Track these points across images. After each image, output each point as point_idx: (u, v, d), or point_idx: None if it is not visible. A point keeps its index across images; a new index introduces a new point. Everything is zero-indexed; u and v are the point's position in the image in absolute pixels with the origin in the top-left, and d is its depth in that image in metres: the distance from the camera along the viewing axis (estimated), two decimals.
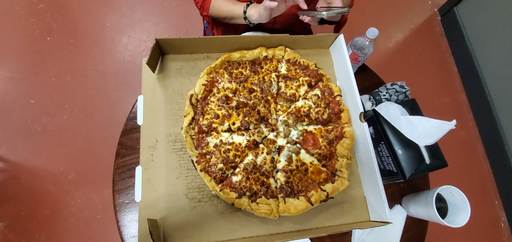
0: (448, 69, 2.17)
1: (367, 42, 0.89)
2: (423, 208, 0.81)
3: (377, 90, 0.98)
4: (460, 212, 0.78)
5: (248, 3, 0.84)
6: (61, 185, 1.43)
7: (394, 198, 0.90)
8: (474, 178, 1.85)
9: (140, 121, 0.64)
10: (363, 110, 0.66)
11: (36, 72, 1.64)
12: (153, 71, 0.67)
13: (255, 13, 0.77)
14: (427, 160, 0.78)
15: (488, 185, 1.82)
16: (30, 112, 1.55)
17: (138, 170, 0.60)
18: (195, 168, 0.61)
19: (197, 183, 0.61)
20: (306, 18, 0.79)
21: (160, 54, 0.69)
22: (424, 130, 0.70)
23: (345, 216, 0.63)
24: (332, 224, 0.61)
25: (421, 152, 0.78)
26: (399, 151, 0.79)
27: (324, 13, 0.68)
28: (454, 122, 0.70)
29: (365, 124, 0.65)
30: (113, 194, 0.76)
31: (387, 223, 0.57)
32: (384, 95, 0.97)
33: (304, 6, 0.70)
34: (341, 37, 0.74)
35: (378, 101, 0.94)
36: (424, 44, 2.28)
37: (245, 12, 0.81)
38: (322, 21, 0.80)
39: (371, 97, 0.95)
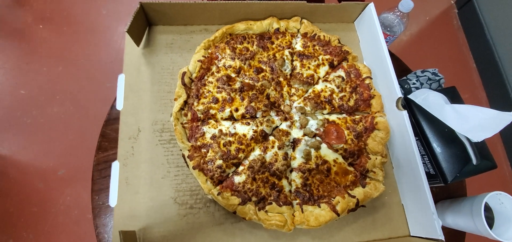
0: (466, 64, 2.01)
1: (397, 19, 0.74)
2: (466, 218, 0.65)
3: (404, 78, 0.83)
4: (510, 224, 0.63)
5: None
6: (50, 182, 1.31)
7: None
8: (492, 179, 1.68)
9: (119, 106, 0.50)
10: (401, 95, 0.52)
11: (27, 62, 1.52)
12: (138, 44, 0.53)
13: None
14: (474, 160, 0.63)
15: (510, 188, 1.65)
16: (20, 104, 1.43)
17: (115, 165, 0.46)
18: (187, 165, 0.47)
19: (189, 184, 0.47)
20: None
21: (146, 23, 0.56)
22: (477, 122, 0.55)
23: (378, 230, 0.49)
24: (361, 240, 0.47)
25: (466, 150, 0.63)
26: (438, 149, 0.64)
27: None
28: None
29: (405, 113, 0.51)
30: (91, 195, 0.63)
31: (438, 241, 0.42)
32: (414, 84, 0.82)
33: None
34: (371, 6, 0.59)
35: (407, 91, 0.79)
36: (441, 38, 2.12)
37: None
38: None
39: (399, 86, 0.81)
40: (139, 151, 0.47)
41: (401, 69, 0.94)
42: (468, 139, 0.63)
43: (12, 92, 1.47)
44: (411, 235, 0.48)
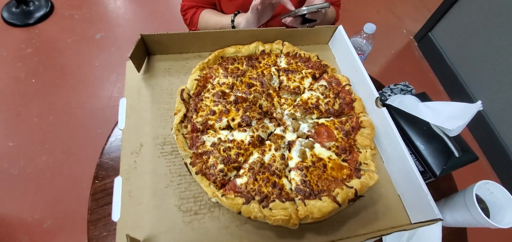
0: (434, 87, 2.19)
1: (364, 41, 0.84)
2: (462, 212, 0.68)
3: (380, 91, 0.91)
4: (505, 211, 0.65)
5: (236, 13, 0.80)
6: (34, 235, 1.21)
7: None
8: (476, 173, 1.71)
9: (121, 125, 0.52)
10: (378, 95, 0.57)
11: (18, 114, 1.50)
12: (138, 69, 0.57)
13: (243, 20, 0.73)
14: (456, 152, 0.67)
15: (493, 178, 1.70)
16: (7, 156, 1.37)
17: (117, 181, 0.46)
18: (189, 172, 0.48)
19: (192, 191, 0.47)
20: (288, 20, 0.74)
21: (146, 53, 0.60)
22: (449, 114, 0.61)
23: (380, 220, 0.50)
24: (366, 231, 0.48)
25: (447, 145, 0.68)
26: (421, 146, 0.68)
27: (305, 8, 0.66)
28: (479, 102, 0.62)
29: (384, 109, 0.56)
30: (87, 226, 0.60)
31: (437, 220, 0.44)
32: (389, 95, 0.90)
33: (291, 7, 0.66)
34: (340, 28, 0.68)
35: (383, 101, 0.87)
36: (407, 67, 2.34)
37: (232, 21, 0.78)
38: (304, 21, 0.75)
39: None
40: (141, 164, 0.48)
41: (376, 86, 1.03)
42: (446, 135, 0.69)
43: (0, 145, 1.43)
44: (413, 223, 0.49)
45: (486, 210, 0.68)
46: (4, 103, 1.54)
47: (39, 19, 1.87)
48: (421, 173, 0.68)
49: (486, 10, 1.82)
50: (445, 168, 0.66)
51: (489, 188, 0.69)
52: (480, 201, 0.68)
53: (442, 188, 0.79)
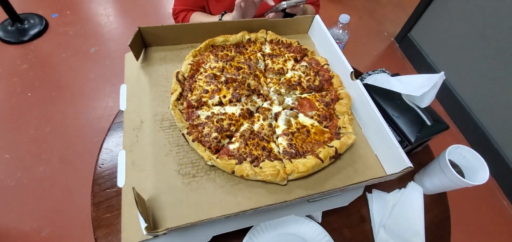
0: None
1: (340, 31, 0.92)
2: (438, 176, 0.74)
3: (360, 77, 0.98)
4: (477, 171, 0.72)
5: (223, 13, 0.88)
6: None
7: (404, 178, 0.83)
8: (449, 141, 1.80)
9: (123, 107, 0.57)
10: (352, 70, 0.64)
11: (14, 127, 1.52)
12: (137, 58, 0.62)
13: (229, 19, 0.80)
14: (428, 121, 0.74)
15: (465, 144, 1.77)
16: (3, 168, 1.38)
17: (121, 154, 0.50)
18: (187, 141, 0.53)
19: (189, 158, 0.52)
20: (271, 15, 0.82)
21: (143, 45, 0.66)
22: (416, 84, 0.68)
23: (360, 176, 0.55)
24: (346, 184, 0.53)
25: (419, 115, 0.75)
26: (396, 118, 0.75)
27: (284, 3, 0.75)
28: (442, 73, 0.69)
29: (358, 81, 0.62)
30: (91, 208, 0.63)
31: (408, 168, 0.50)
32: (368, 79, 0.98)
33: (271, 2, 0.74)
34: (317, 17, 0.76)
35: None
36: (391, 66, 2.45)
37: (220, 20, 0.85)
38: (285, 15, 0.84)
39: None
40: (143, 137, 0.53)
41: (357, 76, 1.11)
42: (419, 107, 0.76)
43: None
44: (388, 174, 0.55)
45: (460, 174, 0.74)
46: (0, 117, 1.56)
47: (34, 36, 1.92)
48: (399, 142, 0.74)
49: (457, 10, 1.99)
50: (419, 135, 0.72)
51: (461, 153, 0.76)
52: (454, 165, 0.75)
53: (423, 162, 0.85)
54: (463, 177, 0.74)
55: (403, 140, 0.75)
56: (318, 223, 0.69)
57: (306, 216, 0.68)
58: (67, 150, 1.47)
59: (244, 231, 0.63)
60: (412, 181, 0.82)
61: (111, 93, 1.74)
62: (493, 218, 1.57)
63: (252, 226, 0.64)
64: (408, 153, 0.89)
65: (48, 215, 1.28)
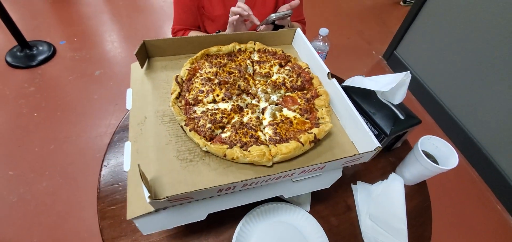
0: (408, 98, 2.41)
1: (321, 43, 1.04)
2: (414, 165, 0.81)
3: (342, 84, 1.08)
4: (449, 157, 0.79)
5: (217, 32, 0.99)
6: None
7: (386, 171, 0.90)
8: (424, 132, 1.87)
9: (129, 106, 0.65)
10: (329, 71, 0.73)
11: (19, 145, 1.58)
12: (142, 65, 0.71)
13: None
14: (401, 116, 0.83)
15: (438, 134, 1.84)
16: (7, 184, 1.42)
17: (127, 144, 0.58)
18: (184, 132, 0.60)
19: (187, 146, 0.59)
20: (262, 27, 0.94)
21: (146, 55, 0.76)
22: (386, 81, 0.78)
23: (337, 157, 0.62)
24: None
25: (393, 111, 0.84)
26: (373, 113, 0.84)
27: (273, 15, 0.85)
28: (408, 72, 0.79)
29: (334, 80, 0.71)
30: (97, 202, 0.69)
31: (378, 148, 0.57)
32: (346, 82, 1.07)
33: (257, 21, 0.86)
34: (298, 30, 0.87)
35: None
36: None
37: None
38: (275, 27, 0.95)
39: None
40: (146, 130, 0.60)
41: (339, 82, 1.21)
42: (392, 104, 0.85)
43: (0, 174, 1.48)
44: (360, 153, 0.62)
45: (435, 162, 0.81)
46: (6, 137, 1.62)
47: (41, 61, 2.04)
48: (376, 136, 0.82)
49: (435, 28, 2.17)
50: (393, 128, 0.81)
51: (433, 143, 0.84)
52: (428, 156, 0.82)
53: (403, 156, 0.92)
54: (437, 163, 0.81)
55: (380, 133, 0.82)
56: (307, 211, 0.75)
57: (296, 206, 0.74)
58: (69, 166, 1.52)
59: (237, 220, 0.69)
60: (393, 173, 0.89)
61: (114, 112, 1.82)
62: (470, 201, 1.65)
63: (245, 215, 0.70)
64: (388, 149, 0.97)
65: (49, 230, 1.30)
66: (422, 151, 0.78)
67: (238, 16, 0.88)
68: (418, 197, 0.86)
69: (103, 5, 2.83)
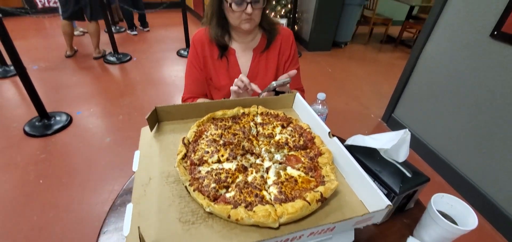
0: (414, 158, 2.38)
1: (320, 106, 1.09)
2: (432, 227, 0.76)
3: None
4: (466, 217, 0.74)
5: (222, 99, 1.07)
6: None
7: (404, 235, 0.83)
8: (436, 191, 1.69)
9: (135, 168, 0.65)
10: (329, 130, 0.75)
11: (19, 213, 1.52)
12: (151, 129, 0.75)
13: None
14: (408, 173, 0.81)
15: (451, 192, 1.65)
16: None
17: (129, 206, 0.56)
18: (188, 192, 0.58)
19: (190, 207, 0.57)
20: (264, 94, 1.00)
21: (156, 120, 0.80)
22: (386, 139, 0.78)
23: (347, 217, 0.58)
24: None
25: (399, 169, 0.82)
26: (379, 172, 0.82)
27: (274, 83, 0.92)
28: (406, 130, 0.80)
29: (335, 138, 0.73)
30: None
31: (389, 206, 0.54)
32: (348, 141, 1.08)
33: (259, 90, 0.93)
34: (297, 94, 0.93)
35: None
36: None
37: None
38: (276, 94, 1.01)
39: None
40: (150, 191, 0.59)
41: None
42: (397, 162, 0.84)
43: None
44: (370, 212, 0.58)
45: (453, 222, 0.75)
46: (8, 204, 1.58)
47: (57, 130, 2.13)
48: (386, 195, 0.78)
49: (425, 90, 2.29)
50: (402, 186, 0.78)
51: (447, 202, 0.80)
52: (445, 216, 0.77)
53: (418, 217, 0.86)
54: (456, 223, 0.75)
55: (389, 192, 0.79)
56: None
57: None
58: (65, 237, 1.43)
59: None
60: (410, 237, 0.81)
61: (118, 178, 1.81)
62: None
63: None
64: (401, 210, 0.91)
65: None
66: (438, 211, 0.73)
67: (238, 87, 0.96)
68: None
69: (121, 79, 3.11)
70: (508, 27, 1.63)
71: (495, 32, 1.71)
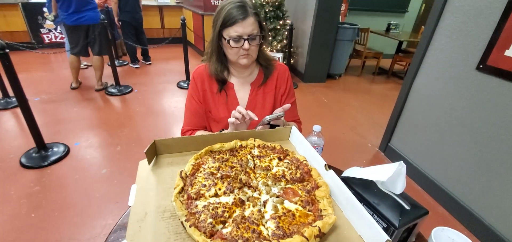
0: (414, 189, 2.34)
1: (316, 138, 1.11)
2: None
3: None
4: None
5: (220, 130, 1.09)
6: None
7: None
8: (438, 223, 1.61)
9: (131, 202, 0.64)
10: (326, 163, 0.76)
11: None
12: (149, 162, 0.75)
13: None
14: (406, 206, 0.80)
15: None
16: None
17: None
18: (184, 228, 0.57)
19: None
20: (259, 127, 1.03)
21: (155, 153, 0.80)
22: (382, 171, 0.79)
23: None
24: None
25: (397, 201, 0.82)
26: (377, 204, 0.81)
27: (268, 117, 0.95)
28: (401, 162, 0.81)
29: (331, 171, 0.73)
30: None
31: (388, 241, 0.54)
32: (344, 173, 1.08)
33: (255, 117, 0.96)
34: (293, 127, 0.95)
35: None
36: None
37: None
38: (272, 127, 1.04)
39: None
40: (145, 227, 0.58)
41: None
42: (394, 194, 0.83)
43: None
44: None
45: None
46: None
47: (53, 161, 2.10)
48: (385, 229, 0.77)
49: (419, 119, 2.33)
50: (400, 219, 0.76)
51: (449, 236, 0.79)
52: None
53: None
54: None
55: (389, 226, 0.78)
56: None
57: None
58: None
59: None
60: None
61: (113, 210, 1.75)
62: None
63: None
64: None
65: None
66: None
67: (235, 118, 0.98)
68: None
69: (121, 110, 3.15)
70: (493, 61, 1.72)
71: (481, 66, 1.80)
